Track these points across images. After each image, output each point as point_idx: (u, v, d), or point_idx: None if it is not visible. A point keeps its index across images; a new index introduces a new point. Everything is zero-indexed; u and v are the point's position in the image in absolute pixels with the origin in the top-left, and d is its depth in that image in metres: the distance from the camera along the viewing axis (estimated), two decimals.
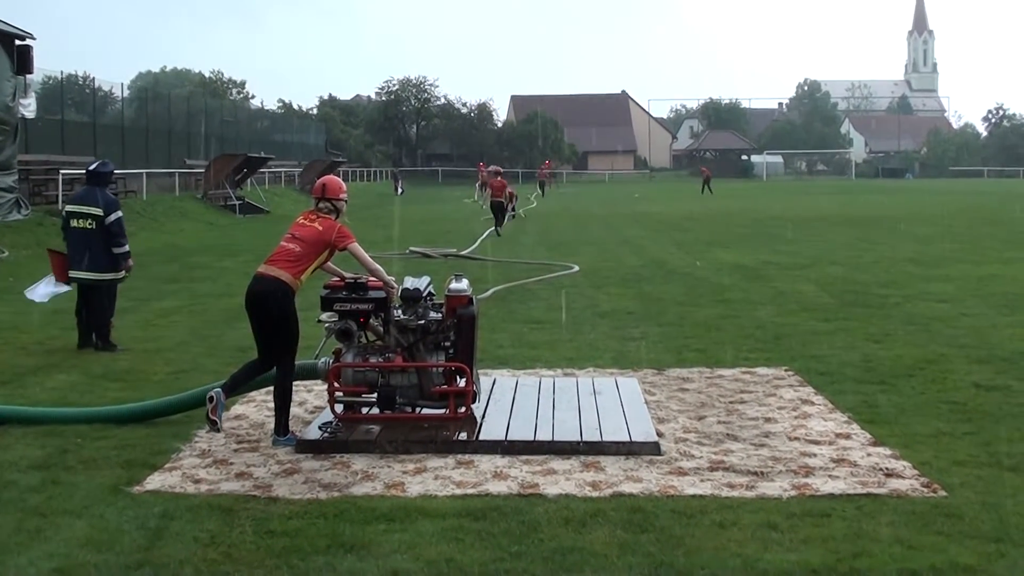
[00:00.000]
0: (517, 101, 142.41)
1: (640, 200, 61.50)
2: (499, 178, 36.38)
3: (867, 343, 12.69)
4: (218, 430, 8.40)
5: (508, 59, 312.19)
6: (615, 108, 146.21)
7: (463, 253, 25.62)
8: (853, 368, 11.16)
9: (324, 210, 8.77)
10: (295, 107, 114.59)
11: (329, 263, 8.80)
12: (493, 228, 34.33)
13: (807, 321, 14.49)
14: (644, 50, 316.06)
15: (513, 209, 37.24)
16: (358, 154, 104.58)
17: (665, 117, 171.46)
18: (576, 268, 21.54)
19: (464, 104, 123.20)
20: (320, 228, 8.58)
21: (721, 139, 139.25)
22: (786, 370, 11.15)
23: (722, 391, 10.20)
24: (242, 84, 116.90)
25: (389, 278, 8.82)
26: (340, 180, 9.04)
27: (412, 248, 25.79)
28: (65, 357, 12.38)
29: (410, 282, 9.10)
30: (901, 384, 10.35)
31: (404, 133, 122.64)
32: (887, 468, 7.54)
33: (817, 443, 8.27)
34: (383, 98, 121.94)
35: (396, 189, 78.59)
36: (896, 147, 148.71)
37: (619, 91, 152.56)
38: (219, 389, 8.40)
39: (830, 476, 7.38)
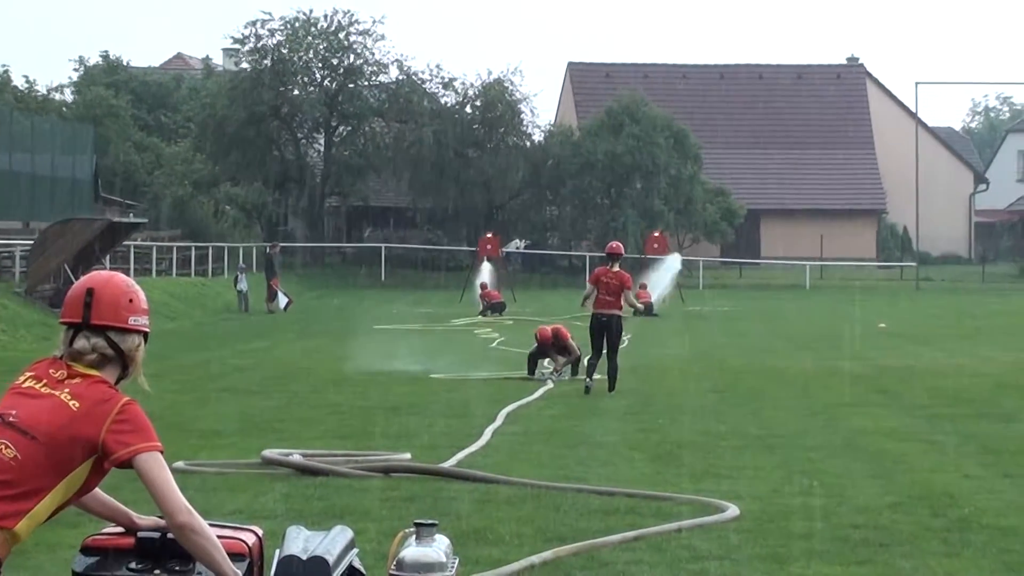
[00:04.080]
0: (577, 75, 70.99)
1: (890, 336, 29.30)
2: (615, 267, 16.84)
3: None
4: None
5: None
6: (833, 102, 69.43)
7: (446, 467, 11.22)
8: None
9: (86, 356, 4.00)
10: (19, 84, 56.11)
11: (98, 492, 4.20)
12: (544, 374, 18.52)
13: None
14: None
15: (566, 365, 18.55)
16: (177, 203, 54.49)
17: (958, 129, 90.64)
18: (733, 509, 9.69)
19: (450, 82, 59.21)
20: (75, 406, 3.92)
21: None
22: None
23: None
24: None
25: (222, 555, 3.96)
26: (129, 282, 4.23)
27: (267, 454, 11.34)
28: None
29: (298, 543, 4.37)
30: None
31: (294, 151, 59.20)
32: None
33: None
34: (243, 62, 58.15)
35: (273, 296, 38.42)
36: None
37: (844, 59, 74.92)
38: None
39: None
